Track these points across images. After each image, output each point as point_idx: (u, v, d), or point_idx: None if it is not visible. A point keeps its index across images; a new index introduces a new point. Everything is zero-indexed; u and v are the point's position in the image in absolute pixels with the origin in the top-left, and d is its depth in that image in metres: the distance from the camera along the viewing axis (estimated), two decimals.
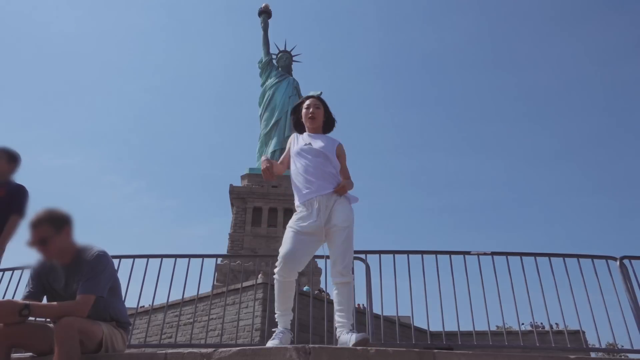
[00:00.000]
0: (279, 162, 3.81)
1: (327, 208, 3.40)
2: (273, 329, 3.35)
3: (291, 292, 3.43)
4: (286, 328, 3.35)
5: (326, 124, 3.87)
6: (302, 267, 3.38)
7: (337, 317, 3.30)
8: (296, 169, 3.60)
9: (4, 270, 6.33)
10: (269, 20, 44.99)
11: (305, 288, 24.03)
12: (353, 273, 3.62)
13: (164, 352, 2.92)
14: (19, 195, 4.24)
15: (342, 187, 3.46)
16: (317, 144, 3.64)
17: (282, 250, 3.35)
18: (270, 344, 3.13)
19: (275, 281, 3.39)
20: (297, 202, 3.56)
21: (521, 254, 6.10)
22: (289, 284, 3.40)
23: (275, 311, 3.44)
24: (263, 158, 3.65)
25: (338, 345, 3.06)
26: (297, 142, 3.74)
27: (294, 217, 3.51)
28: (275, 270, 3.37)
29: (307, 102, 3.82)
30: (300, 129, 3.91)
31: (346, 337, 3.08)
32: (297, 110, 3.91)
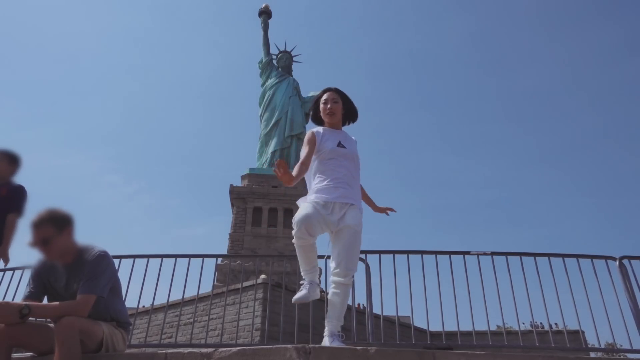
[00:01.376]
0: (300, 162, 3.48)
1: (341, 210, 3.38)
2: (301, 282, 3.40)
3: (312, 253, 3.39)
4: (313, 281, 3.41)
5: (346, 116, 3.76)
6: (316, 234, 3.30)
7: (328, 317, 3.30)
8: (325, 167, 3.48)
9: (4, 270, 6.34)
10: (269, 21, 44.98)
11: None
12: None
13: (164, 352, 2.92)
14: (17, 195, 4.34)
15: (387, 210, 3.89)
16: (348, 145, 3.59)
17: (297, 215, 3.25)
18: (298, 295, 3.31)
19: (295, 246, 3.36)
20: (315, 197, 3.41)
21: (521, 254, 6.11)
22: (309, 247, 3.32)
23: (301, 271, 3.46)
24: (277, 163, 3.18)
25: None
26: (327, 138, 3.57)
27: (310, 198, 3.42)
28: (293, 233, 3.30)
29: (325, 96, 3.68)
30: (319, 123, 3.77)
31: (326, 340, 3.16)
32: (315, 105, 3.77)
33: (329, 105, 3.62)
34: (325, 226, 3.32)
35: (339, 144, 3.55)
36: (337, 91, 3.70)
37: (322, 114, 3.67)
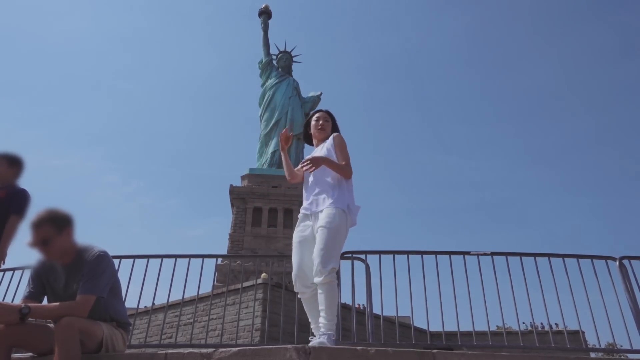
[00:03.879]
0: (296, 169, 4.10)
1: (317, 217, 3.62)
2: (311, 338, 3.38)
3: (313, 305, 3.56)
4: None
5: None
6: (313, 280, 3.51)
7: (320, 318, 3.37)
8: (305, 181, 3.96)
9: (4, 270, 6.34)
10: (269, 21, 44.95)
11: None
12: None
13: (164, 352, 2.92)
14: (18, 197, 4.25)
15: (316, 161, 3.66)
16: (317, 153, 3.90)
17: (293, 267, 3.57)
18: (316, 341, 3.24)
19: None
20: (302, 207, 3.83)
21: (521, 254, 6.10)
22: (307, 300, 3.59)
23: (312, 326, 3.62)
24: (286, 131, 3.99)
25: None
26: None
27: (298, 222, 3.79)
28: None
29: (317, 115, 4.17)
30: (308, 141, 4.25)
31: (314, 341, 3.18)
32: (307, 124, 4.21)
33: (321, 122, 4.09)
34: (313, 245, 3.54)
35: (307, 159, 3.90)
36: (328, 113, 4.17)
37: (312, 129, 4.12)
